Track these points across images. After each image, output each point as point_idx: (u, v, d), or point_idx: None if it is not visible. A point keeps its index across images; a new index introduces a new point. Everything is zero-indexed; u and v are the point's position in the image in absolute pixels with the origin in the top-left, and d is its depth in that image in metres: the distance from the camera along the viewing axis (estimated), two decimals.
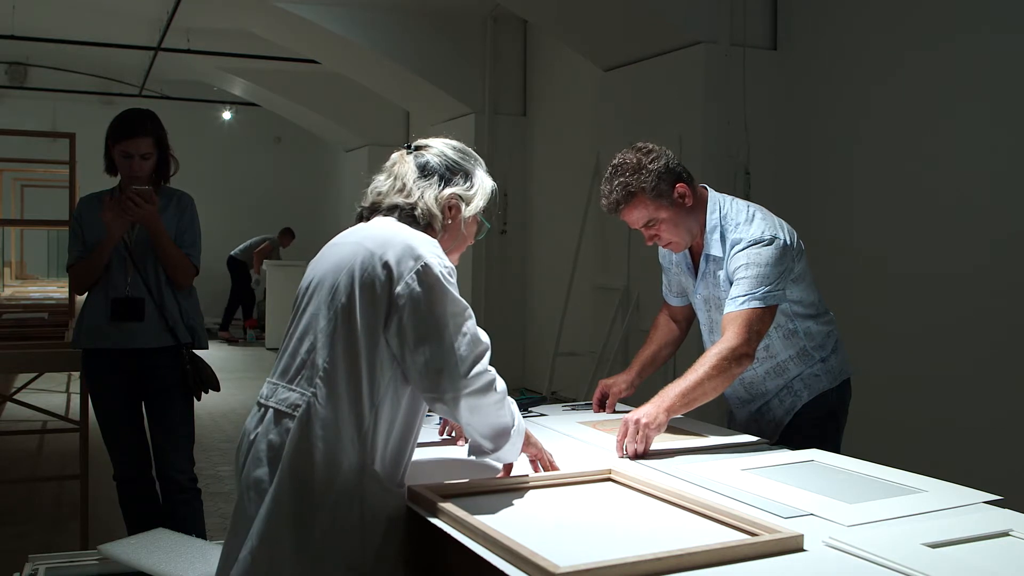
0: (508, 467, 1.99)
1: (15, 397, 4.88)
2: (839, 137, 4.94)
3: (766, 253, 2.39)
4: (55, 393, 7.11)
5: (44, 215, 9.28)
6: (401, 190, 1.94)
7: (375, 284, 1.80)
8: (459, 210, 1.96)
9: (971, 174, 4.22)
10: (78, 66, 11.51)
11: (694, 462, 2.16)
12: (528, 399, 2.91)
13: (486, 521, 1.62)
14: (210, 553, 2.40)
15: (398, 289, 1.78)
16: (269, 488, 1.79)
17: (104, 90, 12.53)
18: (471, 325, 1.83)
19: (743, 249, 2.42)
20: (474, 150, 2.07)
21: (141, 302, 3.26)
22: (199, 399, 3.37)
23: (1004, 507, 1.81)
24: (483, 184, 2.01)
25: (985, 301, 4.12)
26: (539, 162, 8.29)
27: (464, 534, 1.62)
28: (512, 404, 1.92)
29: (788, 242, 2.44)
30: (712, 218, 2.50)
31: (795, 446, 2.34)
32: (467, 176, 1.98)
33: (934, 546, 1.57)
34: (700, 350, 2.78)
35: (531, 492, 1.91)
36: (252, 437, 1.88)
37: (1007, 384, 4.01)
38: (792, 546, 1.56)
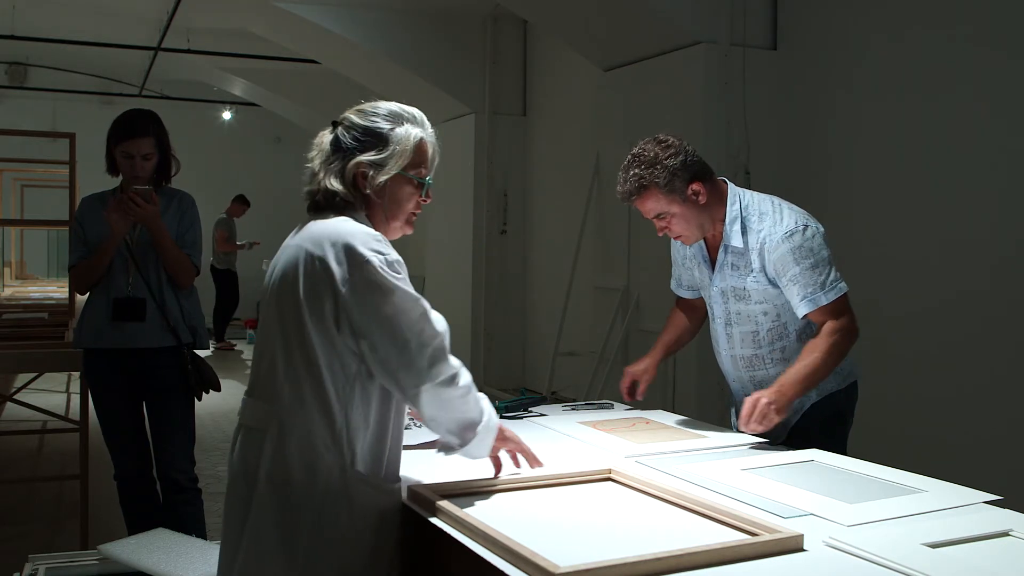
0: (498, 465, 1.95)
1: (15, 397, 4.88)
2: (839, 137, 4.93)
3: (807, 244, 2.42)
4: (55, 393, 7.11)
5: (44, 215, 9.28)
6: (312, 176, 1.90)
7: (319, 288, 1.77)
8: (366, 177, 1.87)
9: (973, 173, 4.22)
10: (78, 66, 11.51)
11: (694, 462, 2.16)
12: (528, 399, 2.91)
13: (486, 521, 1.62)
14: (210, 553, 2.40)
15: (343, 292, 1.75)
16: (251, 505, 1.79)
17: (104, 90, 12.52)
18: (423, 317, 1.78)
19: (782, 242, 2.43)
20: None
21: (142, 302, 3.26)
22: (200, 399, 3.37)
23: (1004, 507, 1.81)
24: (403, 142, 1.89)
25: (988, 299, 4.12)
26: (539, 162, 8.29)
27: (464, 534, 1.62)
28: (482, 399, 1.87)
29: (821, 229, 2.48)
30: (732, 210, 2.51)
31: (801, 446, 2.34)
32: (380, 139, 1.88)
33: (934, 546, 1.57)
34: (708, 343, 2.79)
35: (531, 492, 1.91)
36: (232, 456, 1.89)
37: (1007, 384, 4.00)
38: (792, 546, 1.56)
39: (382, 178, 1.88)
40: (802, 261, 2.41)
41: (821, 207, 4.95)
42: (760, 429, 2.30)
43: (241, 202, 11.53)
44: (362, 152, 1.87)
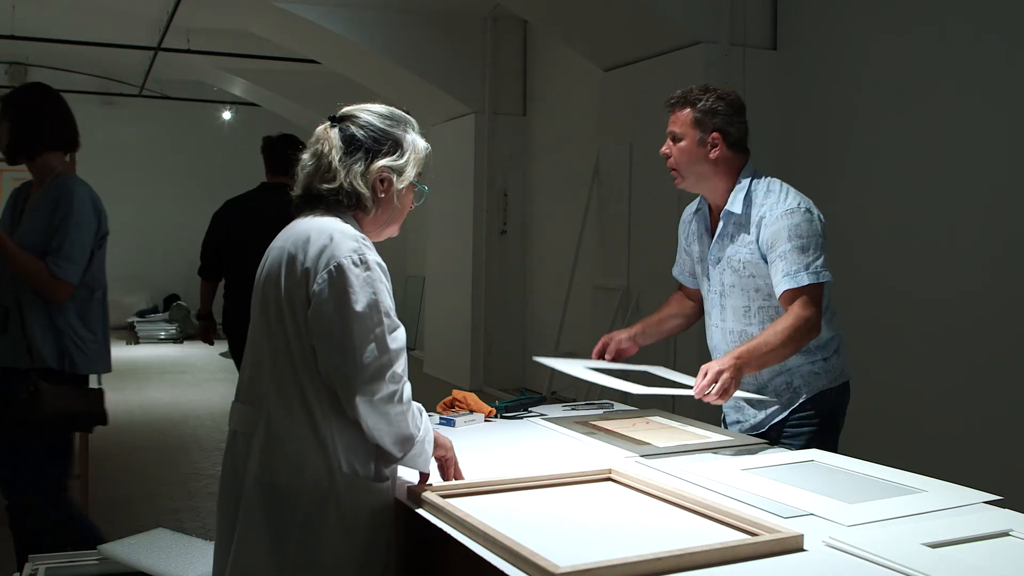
0: (423, 475, 1.90)
1: None
2: (839, 137, 4.93)
3: (804, 224, 2.44)
4: None
5: None
6: (327, 172, 1.85)
7: (297, 292, 1.77)
8: (391, 183, 1.88)
9: (974, 173, 4.21)
10: (78, 66, 11.50)
11: (694, 462, 2.16)
12: (528, 399, 2.91)
13: (486, 521, 1.62)
14: (210, 553, 2.39)
15: (313, 292, 1.75)
16: (240, 508, 1.80)
17: (104, 90, 12.52)
18: (380, 331, 1.75)
19: (780, 218, 2.45)
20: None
21: (4, 312, 2.85)
22: (83, 431, 2.92)
23: (1004, 507, 1.81)
24: (415, 150, 1.92)
25: (988, 298, 4.12)
26: (539, 162, 8.29)
27: (464, 534, 1.62)
28: (420, 416, 1.84)
29: (822, 218, 2.49)
30: (742, 182, 2.55)
31: (791, 445, 2.34)
32: (397, 145, 1.89)
33: (934, 546, 1.57)
34: (702, 318, 2.78)
35: (531, 492, 1.91)
36: (224, 461, 1.89)
37: (1007, 384, 4.00)
38: (792, 546, 1.56)
39: (401, 185, 1.89)
40: (795, 239, 2.43)
41: (821, 207, 4.95)
42: (719, 402, 2.26)
43: None
44: (380, 155, 1.86)
